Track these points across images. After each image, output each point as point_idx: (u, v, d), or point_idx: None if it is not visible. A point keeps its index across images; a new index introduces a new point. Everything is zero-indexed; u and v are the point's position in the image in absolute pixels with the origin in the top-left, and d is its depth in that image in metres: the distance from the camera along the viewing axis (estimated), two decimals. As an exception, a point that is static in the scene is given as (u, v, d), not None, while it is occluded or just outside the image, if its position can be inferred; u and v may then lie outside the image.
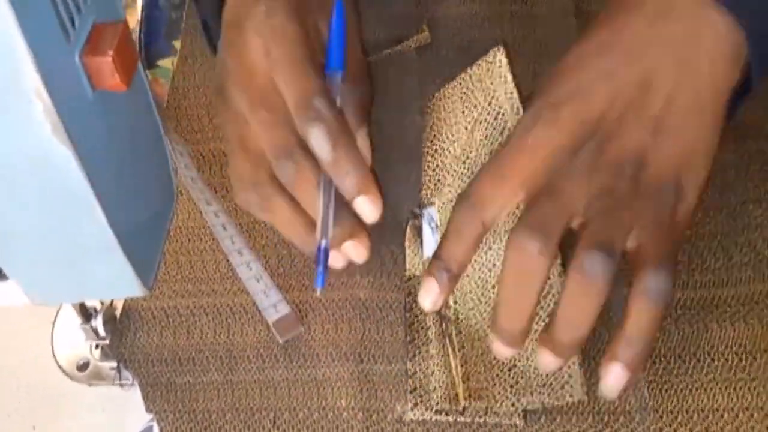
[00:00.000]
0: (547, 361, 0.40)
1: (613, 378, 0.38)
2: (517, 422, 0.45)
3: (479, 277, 0.47)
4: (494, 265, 0.46)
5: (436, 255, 0.41)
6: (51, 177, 0.32)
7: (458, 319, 0.47)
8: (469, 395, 0.44)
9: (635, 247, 0.38)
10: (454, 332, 0.46)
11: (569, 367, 0.44)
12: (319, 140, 0.42)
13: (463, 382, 0.45)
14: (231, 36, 0.46)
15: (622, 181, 0.39)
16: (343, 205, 0.43)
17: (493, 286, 0.46)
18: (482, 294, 0.47)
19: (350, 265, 0.47)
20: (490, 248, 0.46)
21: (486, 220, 0.40)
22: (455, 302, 0.47)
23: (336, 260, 0.46)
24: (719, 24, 0.39)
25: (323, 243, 0.43)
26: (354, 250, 0.46)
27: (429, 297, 0.41)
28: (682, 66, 0.40)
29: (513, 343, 0.40)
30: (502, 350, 0.41)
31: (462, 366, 0.45)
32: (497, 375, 0.45)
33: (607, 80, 0.40)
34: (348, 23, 0.47)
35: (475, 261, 0.47)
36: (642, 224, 0.38)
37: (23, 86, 0.28)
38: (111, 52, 0.31)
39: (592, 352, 0.46)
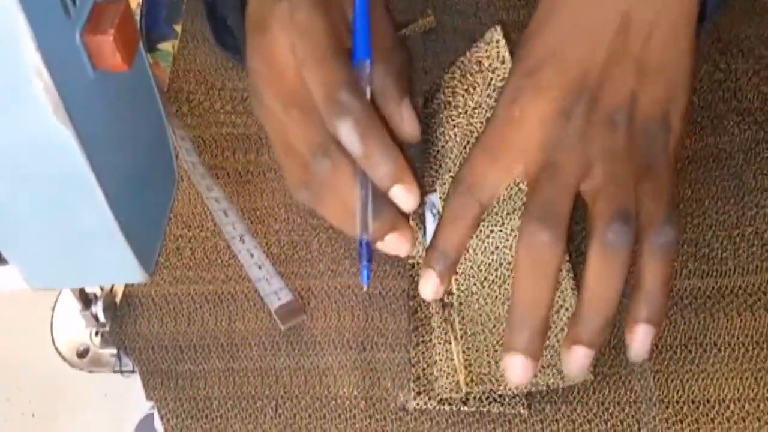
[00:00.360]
0: (579, 356, 0.37)
1: (642, 338, 0.37)
2: (522, 411, 0.44)
3: (482, 262, 0.46)
4: (496, 247, 0.46)
5: (433, 244, 0.40)
6: (51, 158, 0.31)
7: (461, 305, 0.46)
8: (471, 380, 0.44)
9: (638, 201, 0.38)
10: (456, 319, 0.46)
11: None
12: (347, 134, 0.41)
13: (466, 368, 0.44)
14: (257, 37, 0.44)
15: (618, 135, 0.38)
16: (382, 198, 0.42)
17: (496, 270, 0.46)
18: (485, 279, 0.46)
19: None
20: (491, 231, 0.46)
21: (482, 201, 0.39)
22: (458, 289, 0.47)
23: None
24: None
25: (364, 237, 0.42)
26: (396, 243, 0.43)
27: (429, 286, 0.40)
28: (654, 1, 0.39)
29: (531, 348, 0.37)
30: (517, 368, 0.37)
31: (464, 352, 0.45)
32: (500, 359, 0.44)
33: (581, 32, 0.39)
34: None
35: (477, 246, 0.46)
36: (644, 177, 0.38)
37: (23, 64, 0.27)
38: (112, 31, 0.31)
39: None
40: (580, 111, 0.38)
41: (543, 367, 0.44)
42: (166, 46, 0.62)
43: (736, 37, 0.56)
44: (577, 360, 0.37)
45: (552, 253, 0.37)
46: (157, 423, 0.47)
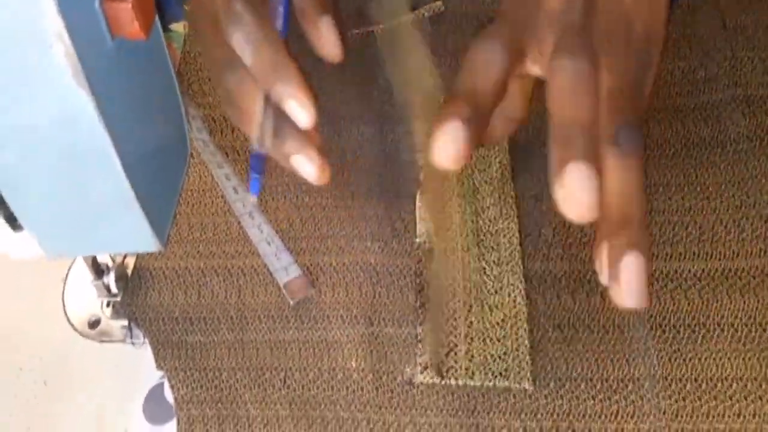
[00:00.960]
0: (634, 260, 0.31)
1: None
2: (527, 386, 0.45)
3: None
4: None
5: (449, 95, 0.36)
6: (69, 125, 0.32)
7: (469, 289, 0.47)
8: (472, 357, 0.45)
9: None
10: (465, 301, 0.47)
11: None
12: (240, 44, 0.40)
13: (467, 350, 0.45)
14: None
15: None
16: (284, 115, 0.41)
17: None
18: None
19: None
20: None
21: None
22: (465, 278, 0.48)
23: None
24: None
25: (256, 149, 0.42)
26: (302, 165, 0.42)
27: (445, 145, 0.34)
28: None
29: (589, 154, 0.32)
30: (581, 179, 0.31)
31: (468, 327, 0.45)
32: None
33: None
34: None
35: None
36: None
37: (44, 29, 0.28)
38: (131, -1, 0.31)
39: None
40: None
41: (485, 365, 0.45)
42: (178, 27, 0.63)
43: (741, 25, 0.57)
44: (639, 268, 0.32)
45: (589, 76, 0.33)
46: (167, 392, 0.48)
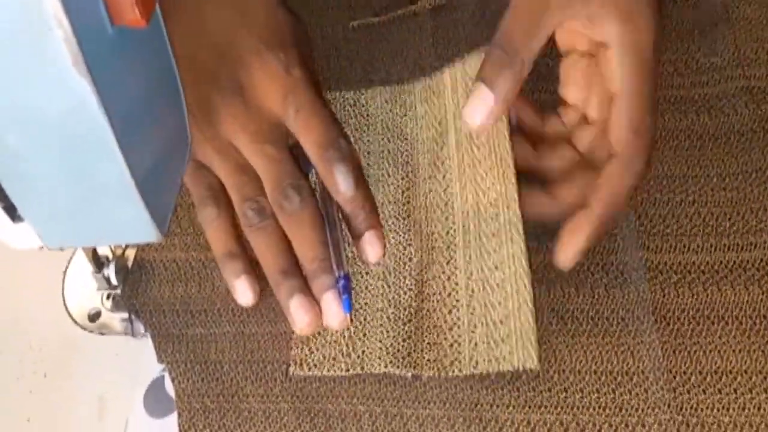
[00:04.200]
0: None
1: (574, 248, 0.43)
2: (532, 367, 0.43)
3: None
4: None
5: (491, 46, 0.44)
6: (69, 113, 0.31)
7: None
8: (476, 345, 0.45)
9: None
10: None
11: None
12: (344, 177, 0.45)
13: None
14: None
15: None
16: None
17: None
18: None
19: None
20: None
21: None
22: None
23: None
24: None
25: (341, 273, 0.46)
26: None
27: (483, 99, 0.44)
28: None
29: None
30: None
31: (471, 314, 0.45)
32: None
33: None
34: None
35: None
36: None
37: (44, 13, 0.28)
38: (131, -15, 0.31)
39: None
40: None
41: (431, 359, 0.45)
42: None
43: (745, 16, 0.56)
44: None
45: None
46: (168, 385, 0.48)
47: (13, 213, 0.36)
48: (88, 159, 0.33)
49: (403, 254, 0.48)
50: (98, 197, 0.35)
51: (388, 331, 0.46)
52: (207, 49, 0.44)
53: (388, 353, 0.45)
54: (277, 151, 0.46)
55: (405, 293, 0.46)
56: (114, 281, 0.48)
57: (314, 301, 0.45)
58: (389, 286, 0.47)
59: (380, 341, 0.46)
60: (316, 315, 0.45)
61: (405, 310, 0.46)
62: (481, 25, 0.53)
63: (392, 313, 0.46)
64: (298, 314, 0.44)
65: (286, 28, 0.48)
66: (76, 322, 0.50)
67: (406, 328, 0.45)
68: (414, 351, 0.45)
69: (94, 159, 0.33)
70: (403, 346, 0.45)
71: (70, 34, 0.28)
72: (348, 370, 0.45)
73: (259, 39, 0.47)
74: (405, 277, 0.47)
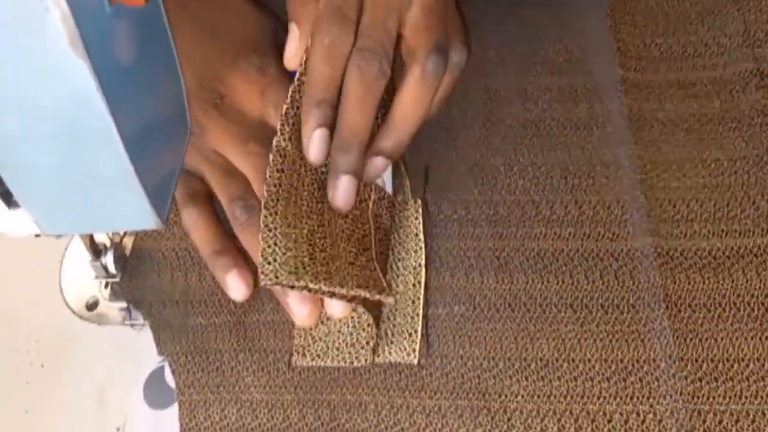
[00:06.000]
0: (377, 165, 0.43)
1: (379, 168, 0.43)
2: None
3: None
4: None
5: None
6: (66, 96, 0.30)
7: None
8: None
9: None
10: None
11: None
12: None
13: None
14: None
15: None
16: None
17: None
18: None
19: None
20: None
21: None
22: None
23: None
24: None
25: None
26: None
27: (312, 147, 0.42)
28: None
29: (357, 168, 0.42)
30: (343, 188, 0.42)
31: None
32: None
33: None
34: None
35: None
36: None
37: (40, -9, 0.26)
38: (130, -39, 0.30)
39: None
40: None
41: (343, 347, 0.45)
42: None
43: (755, -1, 0.55)
44: (376, 168, 0.43)
45: (378, 84, 0.41)
46: (168, 376, 0.47)
47: (8, 199, 0.35)
48: (86, 144, 0.32)
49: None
50: (97, 184, 0.34)
51: (394, 323, 0.45)
52: (185, 71, 0.44)
53: (396, 344, 0.44)
54: (261, 147, 0.45)
55: (409, 286, 0.46)
56: (112, 270, 0.47)
57: None
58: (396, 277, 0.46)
59: (385, 332, 0.45)
60: (315, 305, 0.44)
61: (412, 303, 0.45)
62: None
63: (400, 305, 0.45)
64: (297, 306, 0.43)
65: (260, 30, 0.49)
66: (73, 312, 0.49)
67: (413, 321, 0.45)
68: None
69: (92, 144, 0.32)
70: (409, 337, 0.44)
71: (67, 14, 0.27)
72: (352, 362, 0.44)
73: (232, 51, 0.48)
74: (409, 271, 0.46)
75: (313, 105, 0.42)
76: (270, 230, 0.41)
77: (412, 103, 0.42)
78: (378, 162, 0.43)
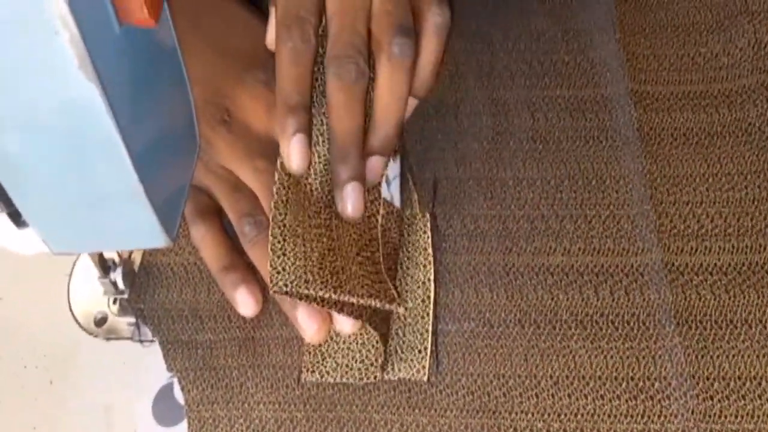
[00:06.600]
0: (374, 164, 0.42)
1: (376, 168, 0.43)
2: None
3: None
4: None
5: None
6: (75, 116, 0.30)
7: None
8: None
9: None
10: None
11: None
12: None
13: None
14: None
15: None
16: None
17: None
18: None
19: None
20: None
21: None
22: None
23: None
24: None
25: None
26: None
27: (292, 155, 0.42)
28: None
29: (359, 173, 0.42)
30: (353, 195, 0.42)
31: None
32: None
33: None
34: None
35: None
36: None
37: (49, 13, 0.26)
38: (140, -16, 0.29)
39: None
40: None
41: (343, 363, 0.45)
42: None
43: (765, 8, 0.55)
44: (373, 169, 0.43)
45: (359, 86, 0.41)
46: (178, 392, 0.47)
47: (17, 219, 0.35)
48: (95, 164, 0.32)
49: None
50: (105, 202, 0.34)
51: (403, 339, 0.45)
52: (192, 88, 0.44)
53: (404, 361, 0.44)
54: (268, 163, 0.45)
55: (418, 302, 0.46)
56: (121, 286, 0.47)
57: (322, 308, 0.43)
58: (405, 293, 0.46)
59: (394, 348, 0.45)
60: (324, 321, 0.43)
61: (422, 318, 0.45)
62: None
63: (409, 321, 0.45)
64: (306, 322, 0.43)
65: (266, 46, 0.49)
66: (81, 327, 0.49)
67: (423, 337, 0.45)
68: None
69: (101, 163, 0.32)
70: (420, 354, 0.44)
71: (76, 36, 0.27)
72: (361, 379, 0.44)
73: (239, 67, 0.49)
74: (418, 286, 0.46)
75: (287, 112, 0.42)
76: (279, 241, 0.41)
77: (387, 93, 0.42)
78: (373, 162, 0.43)
